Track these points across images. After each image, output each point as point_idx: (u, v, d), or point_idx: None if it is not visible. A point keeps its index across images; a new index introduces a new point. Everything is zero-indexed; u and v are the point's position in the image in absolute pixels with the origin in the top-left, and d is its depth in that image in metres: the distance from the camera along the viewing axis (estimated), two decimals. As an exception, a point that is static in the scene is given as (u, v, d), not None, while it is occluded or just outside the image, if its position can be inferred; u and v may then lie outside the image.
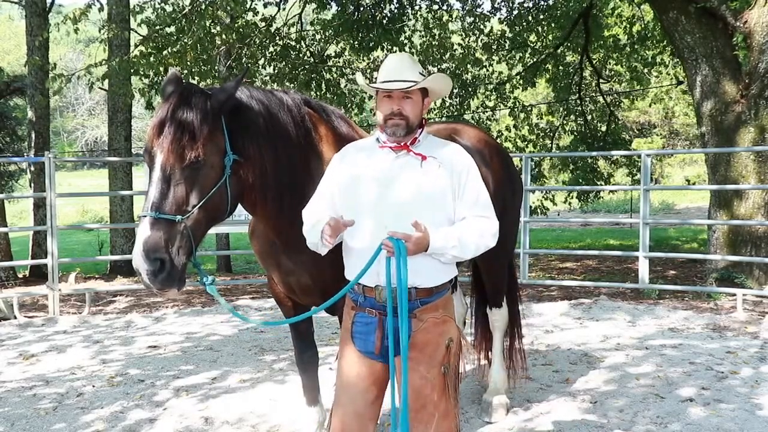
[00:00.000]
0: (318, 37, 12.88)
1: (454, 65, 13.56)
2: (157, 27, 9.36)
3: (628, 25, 14.30)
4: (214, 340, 6.36)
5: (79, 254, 16.48)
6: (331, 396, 2.69)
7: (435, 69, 13.46)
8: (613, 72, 16.40)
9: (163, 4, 9.84)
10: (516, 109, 15.08)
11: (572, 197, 15.41)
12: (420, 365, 2.44)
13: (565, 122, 15.53)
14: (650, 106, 22.68)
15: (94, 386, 4.96)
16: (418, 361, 2.44)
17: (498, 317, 4.34)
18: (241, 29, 9.72)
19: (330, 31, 12.43)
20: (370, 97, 2.64)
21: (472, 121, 14.92)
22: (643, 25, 14.05)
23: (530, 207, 11.44)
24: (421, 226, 2.34)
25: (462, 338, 2.60)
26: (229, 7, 8.91)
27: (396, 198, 2.44)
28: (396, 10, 12.32)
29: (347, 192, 2.52)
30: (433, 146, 2.56)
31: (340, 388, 2.56)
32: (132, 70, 9.49)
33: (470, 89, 14.27)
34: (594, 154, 13.76)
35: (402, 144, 2.50)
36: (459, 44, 13.89)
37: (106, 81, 9.82)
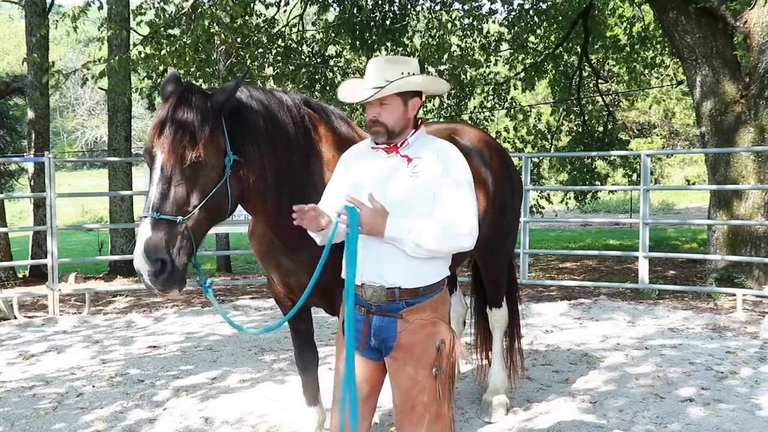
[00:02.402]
0: (319, 37, 12.88)
1: (452, 66, 13.55)
2: (160, 28, 9.36)
3: (628, 26, 14.31)
4: (214, 340, 6.36)
5: (79, 254, 16.49)
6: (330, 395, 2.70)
7: (433, 70, 13.46)
8: (611, 72, 16.40)
9: (162, 4, 9.84)
10: (513, 110, 15.08)
11: (569, 197, 15.44)
12: (407, 366, 2.43)
13: (563, 123, 15.54)
14: (650, 107, 22.71)
15: (94, 386, 4.96)
16: (405, 361, 2.44)
17: (498, 317, 4.35)
18: (243, 30, 9.71)
19: (331, 32, 12.44)
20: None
21: (470, 122, 14.92)
22: (643, 26, 14.05)
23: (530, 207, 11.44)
24: (377, 202, 2.35)
25: (455, 341, 2.54)
26: (228, 7, 8.91)
27: (384, 199, 2.44)
28: (398, 11, 12.34)
29: (349, 192, 2.53)
30: (423, 147, 2.52)
31: (336, 386, 2.58)
32: (131, 69, 9.48)
33: (468, 90, 14.27)
34: (595, 154, 13.77)
35: (392, 145, 2.51)
36: (458, 45, 13.89)
37: (104, 81, 9.82)
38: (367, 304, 2.46)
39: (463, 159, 2.54)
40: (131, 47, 10.19)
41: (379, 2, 12.12)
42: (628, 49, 14.26)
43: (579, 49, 14.09)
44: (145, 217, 2.37)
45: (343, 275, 2.52)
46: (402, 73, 2.47)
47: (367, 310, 2.47)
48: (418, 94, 2.55)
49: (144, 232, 2.34)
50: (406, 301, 2.43)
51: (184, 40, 8.98)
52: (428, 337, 2.45)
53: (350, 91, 2.60)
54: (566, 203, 15.63)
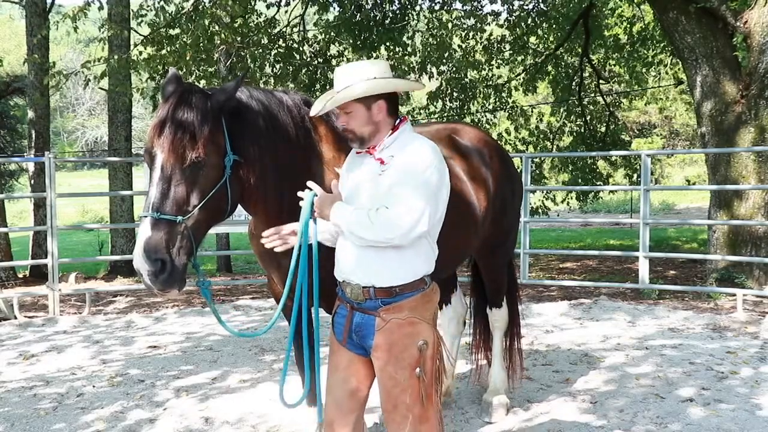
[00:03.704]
0: (320, 37, 12.88)
1: (454, 67, 13.54)
2: (161, 28, 9.35)
3: (628, 26, 14.32)
4: (214, 340, 6.36)
5: (79, 254, 16.49)
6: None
7: (435, 70, 13.46)
8: (612, 73, 16.40)
9: (162, 3, 9.84)
10: (515, 113, 15.08)
11: (571, 197, 15.44)
12: (388, 365, 2.43)
13: (565, 123, 15.56)
14: (646, 104, 22.72)
15: (94, 386, 4.96)
16: (386, 361, 2.44)
17: (498, 317, 4.34)
18: (243, 29, 9.71)
19: (331, 33, 12.44)
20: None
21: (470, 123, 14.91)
22: (643, 26, 14.06)
23: (531, 207, 11.44)
24: (337, 190, 2.51)
25: (440, 342, 2.50)
26: (228, 7, 8.91)
27: (357, 201, 2.47)
28: (398, 11, 12.33)
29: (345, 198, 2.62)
30: (401, 147, 2.46)
31: (328, 377, 2.64)
32: (132, 69, 9.48)
33: (470, 92, 14.27)
34: (594, 154, 13.79)
35: (370, 148, 2.52)
36: (459, 46, 13.87)
37: (105, 81, 9.82)
38: (350, 300, 2.51)
39: (433, 162, 2.38)
40: (132, 47, 10.20)
41: (379, 2, 12.12)
42: (628, 48, 14.27)
43: (579, 50, 14.09)
44: (145, 216, 2.37)
45: (336, 273, 2.59)
46: (346, 86, 2.43)
47: (350, 306, 2.51)
48: (384, 96, 2.46)
49: (144, 231, 2.35)
50: (382, 300, 2.44)
51: (185, 39, 8.98)
52: (406, 337, 2.42)
53: (318, 102, 2.67)
54: (568, 203, 15.65)
